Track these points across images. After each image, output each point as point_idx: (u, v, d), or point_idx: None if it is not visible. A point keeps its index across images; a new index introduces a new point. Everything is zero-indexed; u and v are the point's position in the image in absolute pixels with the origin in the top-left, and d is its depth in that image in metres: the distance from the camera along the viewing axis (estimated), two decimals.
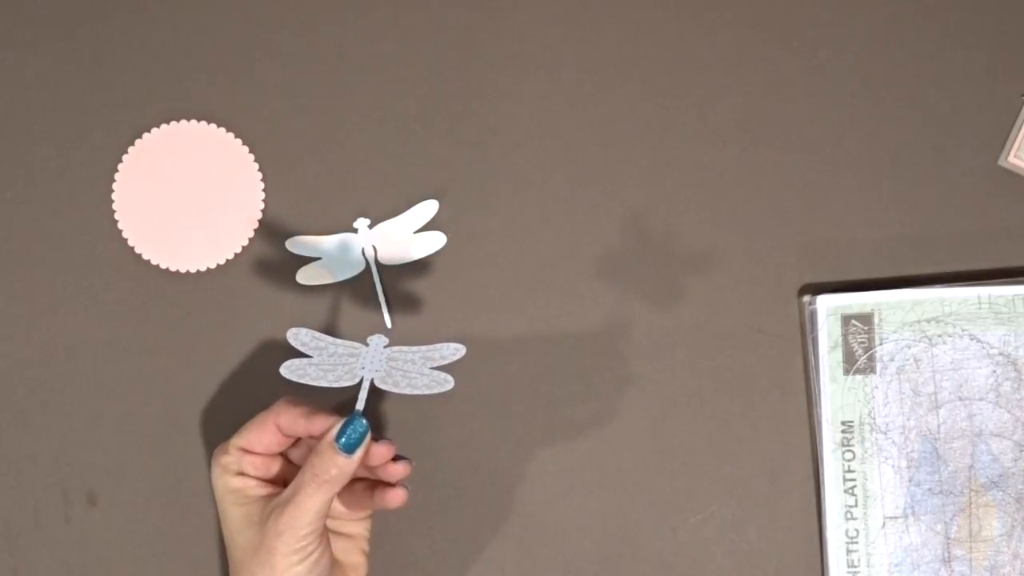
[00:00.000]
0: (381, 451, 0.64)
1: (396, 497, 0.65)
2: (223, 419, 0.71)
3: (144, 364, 0.71)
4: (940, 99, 0.72)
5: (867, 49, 0.72)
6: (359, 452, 0.62)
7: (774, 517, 0.71)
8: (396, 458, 0.64)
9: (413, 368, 0.63)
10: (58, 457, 0.71)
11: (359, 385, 0.63)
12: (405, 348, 0.63)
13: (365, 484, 0.66)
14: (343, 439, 0.62)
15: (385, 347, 0.63)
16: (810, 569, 0.70)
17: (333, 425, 0.62)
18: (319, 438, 0.62)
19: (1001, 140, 0.72)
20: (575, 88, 0.72)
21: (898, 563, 0.69)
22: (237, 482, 0.64)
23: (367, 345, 0.63)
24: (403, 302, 0.71)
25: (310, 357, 0.63)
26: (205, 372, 0.71)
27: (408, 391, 0.63)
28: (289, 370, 0.63)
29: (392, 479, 0.65)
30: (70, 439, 0.71)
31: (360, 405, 0.62)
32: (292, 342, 0.64)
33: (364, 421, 0.62)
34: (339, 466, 0.61)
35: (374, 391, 0.63)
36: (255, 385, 0.71)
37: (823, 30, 0.72)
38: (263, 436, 0.65)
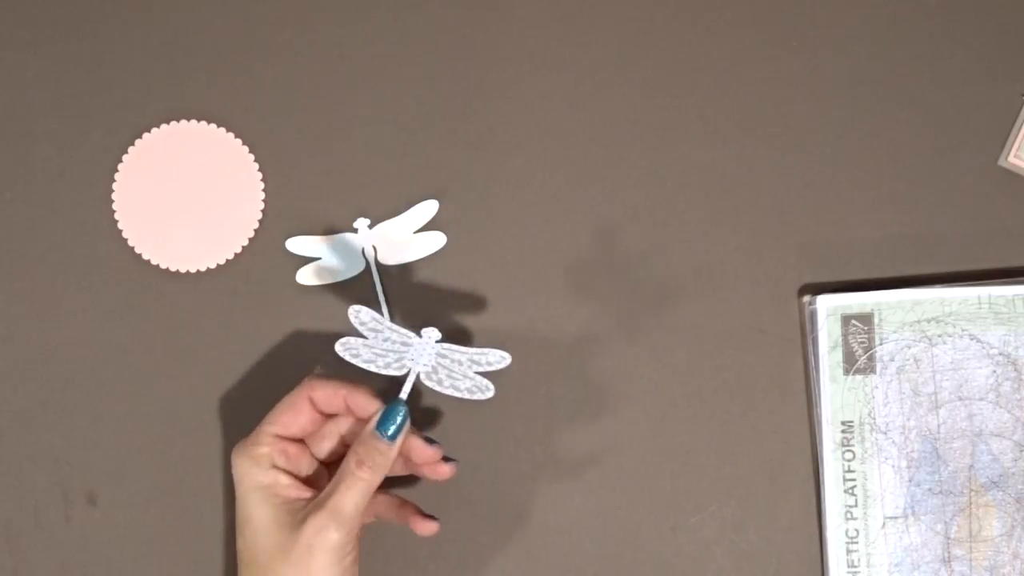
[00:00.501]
0: (429, 452, 0.64)
1: (428, 528, 0.66)
2: (223, 419, 0.71)
3: (144, 364, 0.71)
4: (940, 99, 0.72)
5: (867, 49, 0.72)
6: (400, 439, 0.62)
7: (774, 517, 0.71)
8: (444, 459, 0.65)
9: (459, 369, 0.63)
10: (58, 457, 0.71)
11: (403, 375, 0.63)
12: (455, 347, 0.63)
13: (391, 502, 0.67)
14: (386, 425, 0.62)
15: (437, 341, 0.63)
16: (810, 569, 0.70)
17: (376, 411, 0.62)
18: (362, 421, 0.63)
19: (1001, 140, 0.72)
20: (575, 88, 0.72)
21: (898, 563, 0.69)
22: (269, 477, 0.63)
23: (420, 336, 0.63)
24: (403, 302, 0.71)
25: (365, 338, 0.63)
26: (205, 372, 0.71)
27: (450, 391, 0.63)
28: (344, 347, 0.64)
29: (439, 477, 0.65)
30: (70, 439, 0.71)
31: (404, 395, 0.63)
32: (352, 319, 0.63)
33: (406, 408, 0.62)
34: (383, 452, 0.62)
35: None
36: (255, 385, 0.71)
37: (823, 30, 0.72)
38: (298, 416, 0.64)
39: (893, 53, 0.72)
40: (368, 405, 0.63)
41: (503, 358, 0.63)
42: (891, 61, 0.72)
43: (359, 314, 0.63)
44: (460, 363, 0.63)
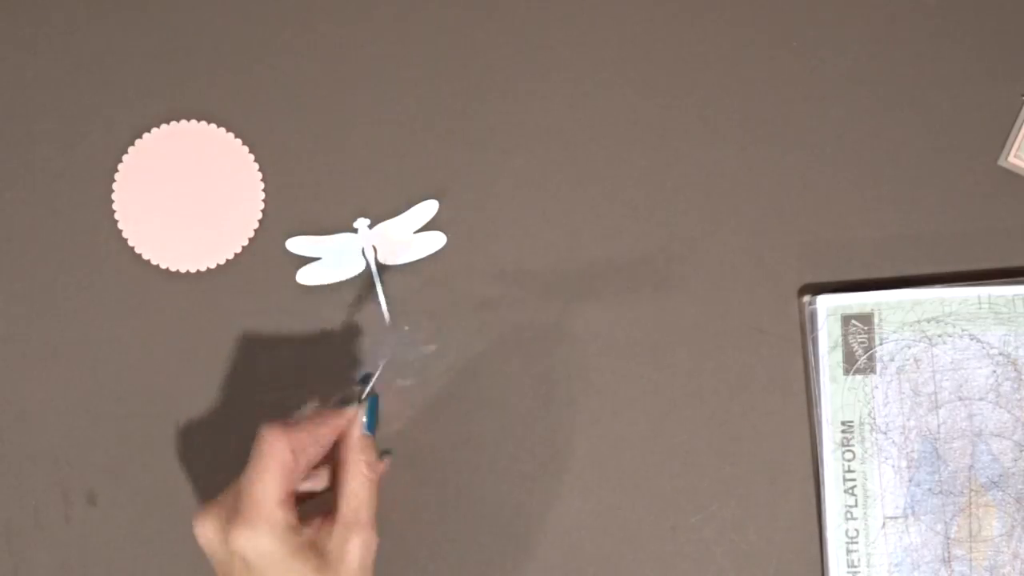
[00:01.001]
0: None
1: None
2: (223, 419, 0.71)
3: (144, 364, 0.71)
4: (940, 99, 0.72)
5: (867, 49, 0.72)
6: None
7: (774, 517, 0.71)
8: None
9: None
10: (58, 457, 0.71)
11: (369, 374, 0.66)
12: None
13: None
14: (371, 422, 0.63)
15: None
16: (810, 569, 0.70)
17: (355, 416, 0.63)
18: (344, 433, 0.63)
19: (1001, 140, 0.72)
20: (575, 88, 0.72)
21: (898, 563, 0.69)
22: (293, 541, 0.59)
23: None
24: (403, 302, 0.71)
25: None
26: (205, 372, 0.71)
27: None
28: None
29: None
30: (70, 439, 0.71)
31: (368, 389, 0.65)
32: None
33: (377, 398, 0.65)
34: (373, 446, 0.63)
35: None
36: (255, 385, 0.71)
37: (823, 30, 0.72)
38: (290, 475, 0.60)
39: (893, 53, 0.72)
40: (342, 419, 0.63)
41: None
42: (891, 61, 0.72)
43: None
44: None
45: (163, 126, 0.72)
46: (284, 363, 0.71)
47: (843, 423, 0.70)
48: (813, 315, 0.70)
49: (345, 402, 0.64)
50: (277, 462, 0.59)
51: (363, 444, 0.62)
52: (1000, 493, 0.70)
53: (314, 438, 0.61)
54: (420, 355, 0.69)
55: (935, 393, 0.70)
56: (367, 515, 0.61)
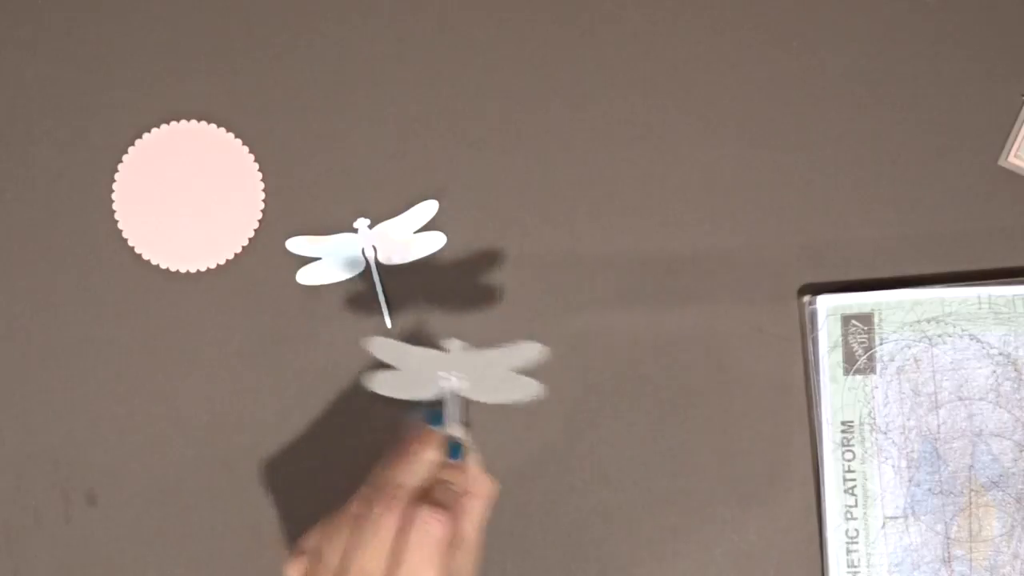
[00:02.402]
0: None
1: None
2: (223, 419, 0.71)
3: (144, 364, 0.71)
4: (940, 99, 0.72)
5: (867, 49, 0.72)
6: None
7: (774, 517, 0.71)
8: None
9: (494, 372, 0.60)
10: (58, 457, 0.71)
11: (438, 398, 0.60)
12: (483, 350, 0.60)
13: None
14: (456, 453, 0.60)
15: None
16: (810, 569, 0.70)
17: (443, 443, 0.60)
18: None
19: (1001, 140, 0.72)
20: (575, 88, 0.72)
21: (898, 563, 0.69)
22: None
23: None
24: (403, 302, 0.71)
25: (393, 369, 0.61)
26: (205, 372, 0.71)
27: (497, 399, 0.60)
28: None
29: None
30: (70, 439, 0.71)
31: (454, 422, 0.60)
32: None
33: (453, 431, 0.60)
34: (461, 469, 0.60)
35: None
36: (255, 385, 0.71)
37: (823, 30, 0.72)
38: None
39: (893, 53, 0.72)
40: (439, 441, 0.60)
41: (534, 348, 0.59)
42: (891, 61, 0.72)
43: (378, 347, 0.60)
44: (492, 365, 0.60)
45: (163, 126, 0.72)
46: (284, 363, 0.71)
47: (843, 423, 0.70)
48: (813, 315, 0.70)
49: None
50: (418, 458, 0.59)
51: (452, 475, 0.59)
52: (1000, 493, 0.70)
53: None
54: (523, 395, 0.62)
55: (935, 393, 0.70)
56: (473, 534, 0.59)
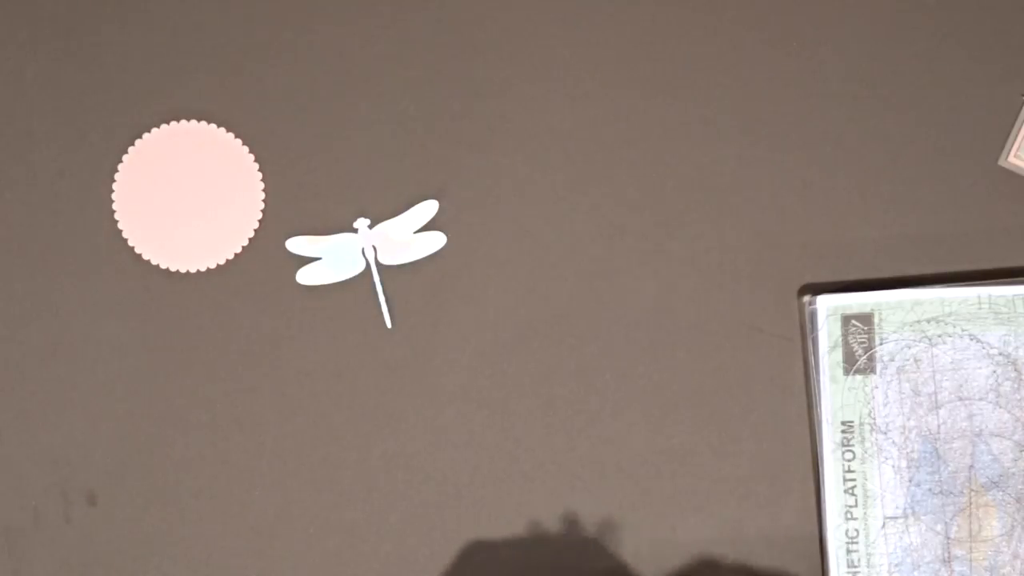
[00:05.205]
0: None
1: None
2: (223, 419, 0.71)
3: (144, 364, 0.71)
4: (940, 99, 0.72)
5: (867, 49, 0.72)
6: None
7: (774, 517, 0.71)
8: None
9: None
10: (58, 457, 0.71)
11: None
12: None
13: None
14: None
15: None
16: (810, 569, 0.70)
17: None
18: None
19: (1001, 140, 0.72)
20: (575, 88, 0.72)
21: (898, 563, 0.69)
22: None
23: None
24: (403, 302, 0.71)
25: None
26: (205, 372, 0.71)
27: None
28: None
29: None
30: (70, 439, 0.71)
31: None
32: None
33: None
34: None
35: None
36: (255, 385, 0.71)
37: (823, 30, 0.72)
38: None
39: (893, 53, 0.72)
40: None
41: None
42: (891, 61, 0.72)
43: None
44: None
45: (163, 126, 0.72)
46: (284, 363, 0.71)
47: (843, 423, 0.70)
48: (813, 315, 0.70)
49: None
50: None
51: None
52: (1000, 493, 0.70)
53: None
54: None
55: (935, 393, 0.70)
56: None
